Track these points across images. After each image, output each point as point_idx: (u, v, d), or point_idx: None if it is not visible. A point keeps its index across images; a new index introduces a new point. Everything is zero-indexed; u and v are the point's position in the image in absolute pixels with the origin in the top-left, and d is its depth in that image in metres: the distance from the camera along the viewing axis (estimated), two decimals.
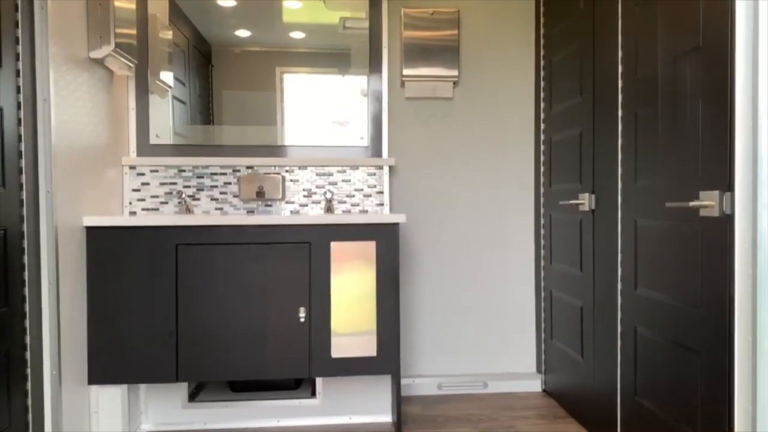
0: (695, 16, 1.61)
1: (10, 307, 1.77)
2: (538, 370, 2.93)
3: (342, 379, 2.51)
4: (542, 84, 2.84)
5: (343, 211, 2.76)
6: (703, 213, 1.56)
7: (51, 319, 1.90)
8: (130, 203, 2.65)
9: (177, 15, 2.68)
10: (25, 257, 1.84)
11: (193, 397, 2.52)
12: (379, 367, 2.26)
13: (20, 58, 1.81)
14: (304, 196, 2.74)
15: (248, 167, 2.70)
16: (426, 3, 2.82)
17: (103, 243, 2.15)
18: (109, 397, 2.21)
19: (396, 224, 2.26)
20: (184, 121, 2.69)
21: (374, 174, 2.76)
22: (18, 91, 1.81)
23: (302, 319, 2.22)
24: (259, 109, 2.73)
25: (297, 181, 2.73)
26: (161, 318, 2.16)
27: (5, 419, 1.73)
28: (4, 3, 1.74)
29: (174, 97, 2.69)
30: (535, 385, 2.88)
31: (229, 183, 2.70)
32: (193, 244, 2.18)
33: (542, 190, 2.85)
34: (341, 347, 2.24)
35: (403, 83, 2.83)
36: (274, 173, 2.69)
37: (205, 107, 2.71)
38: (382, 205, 2.77)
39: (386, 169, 2.75)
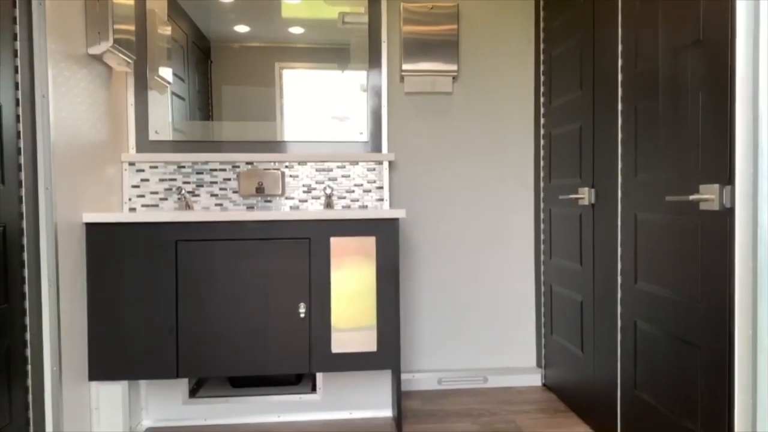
0: (695, 9, 1.61)
1: (10, 304, 1.77)
2: (538, 365, 2.94)
3: (342, 374, 2.51)
4: (542, 78, 2.84)
5: (343, 207, 2.76)
6: (703, 207, 1.55)
7: (51, 316, 1.90)
8: (130, 199, 2.65)
9: (175, 11, 2.67)
10: (25, 254, 1.84)
11: (193, 393, 2.53)
12: (380, 362, 2.27)
13: (18, 55, 1.80)
14: (304, 192, 2.74)
15: (248, 163, 2.69)
16: None
17: (103, 239, 2.15)
18: (110, 394, 2.21)
19: (396, 219, 2.26)
20: (183, 117, 2.69)
21: (374, 169, 2.76)
22: (16, 87, 1.80)
23: (302, 315, 2.22)
24: (259, 105, 2.72)
25: (297, 176, 2.73)
26: (161, 314, 2.17)
27: (6, 416, 1.74)
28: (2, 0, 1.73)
29: (173, 93, 2.68)
30: (535, 380, 2.89)
31: (229, 179, 2.70)
32: (193, 240, 2.18)
33: (542, 184, 2.85)
34: (341, 342, 2.24)
35: (402, 78, 2.82)
36: (274, 169, 2.69)
37: (204, 103, 2.70)
38: (381, 200, 2.77)
39: (386, 164, 2.75)
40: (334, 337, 2.24)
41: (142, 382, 2.43)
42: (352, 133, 2.77)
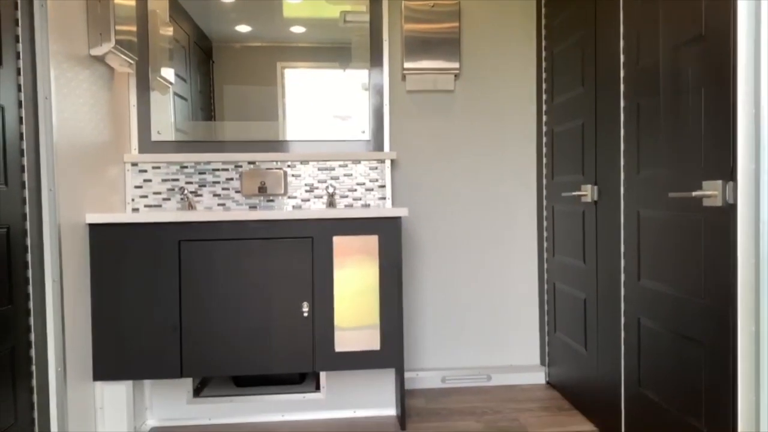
0: (697, 5, 1.60)
1: (15, 305, 1.78)
2: (542, 363, 2.93)
3: (346, 373, 2.51)
4: (544, 75, 2.83)
5: (345, 206, 2.76)
6: (706, 203, 1.55)
7: (55, 316, 1.91)
8: (133, 200, 2.65)
9: (177, 11, 2.68)
10: (29, 255, 1.85)
11: (197, 392, 2.54)
12: (383, 361, 2.27)
13: (21, 57, 1.81)
14: (306, 191, 2.74)
15: (250, 163, 2.70)
16: None
17: (106, 240, 2.15)
18: (115, 393, 2.22)
19: (398, 218, 2.26)
20: (185, 117, 2.69)
21: (376, 168, 2.76)
22: (19, 89, 1.81)
23: (305, 314, 2.22)
24: (261, 105, 2.73)
25: (299, 176, 2.73)
26: (165, 314, 2.17)
27: (11, 416, 1.75)
28: (3, 1, 1.74)
29: (175, 94, 2.69)
30: (539, 378, 2.89)
31: (231, 179, 2.70)
32: (196, 240, 2.18)
33: (544, 181, 2.84)
34: (345, 341, 2.25)
35: (404, 76, 2.82)
36: (276, 168, 2.69)
37: (206, 103, 2.71)
38: (384, 199, 2.77)
39: (388, 162, 2.75)
40: (338, 336, 2.24)
41: (147, 382, 2.43)
42: (354, 132, 2.78)
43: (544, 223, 2.85)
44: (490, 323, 2.92)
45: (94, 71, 2.23)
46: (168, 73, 2.67)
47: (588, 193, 2.29)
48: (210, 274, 2.19)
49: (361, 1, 2.77)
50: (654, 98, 1.83)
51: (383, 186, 2.76)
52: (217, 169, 2.69)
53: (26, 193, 1.83)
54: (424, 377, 2.84)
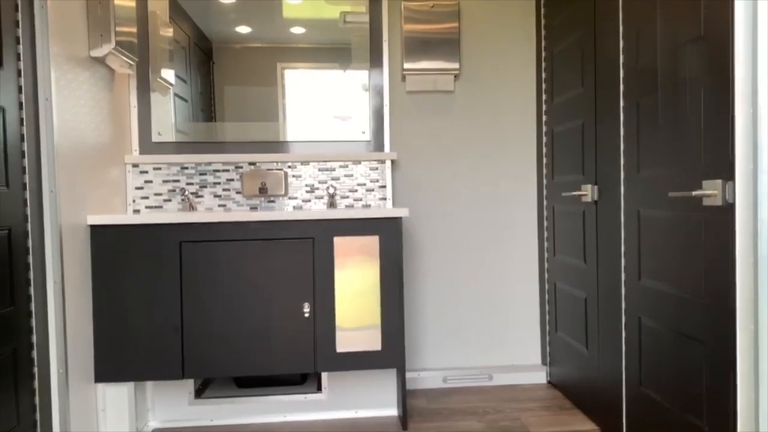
0: (696, 5, 1.60)
1: (16, 307, 1.78)
2: (543, 362, 2.93)
3: (347, 373, 2.51)
4: (543, 75, 2.83)
5: (346, 206, 2.76)
6: (706, 202, 1.55)
7: (57, 318, 1.91)
8: (134, 201, 2.66)
9: (177, 12, 2.68)
10: (30, 257, 1.85)
11: (199, 393, 2.54)
12: (384, 361, 2.27)
13: (21, 58, 1.81)
14: (307, 192, 2.74)
15: (251, 164, 2.70)
16: None
17: (108, 241, 2.15)
18: (116, 395, 2.22)
19: (399, 218, 2.26)
20: (186, 118, 2.70)
21: (376, 168, 2.76)
22: (20, 90, 1.81)
23: (306, 315, 2.23)
24: (261, 106, 2.73)
25: (299, 176, 2.73)
26: (166, 315, 2.17)
27: (13, 418, 1.75)
28: (4, 3, 1.74)
29: (175, 95, 2.69)
30: (540, 377, 2.89)
31: (232, 180, 2.70)
32: (197, 241, 2.18)
33: (545, 181, 2.84)
34: (346, 342, 2.25)
35: (404, 77, 2.82)
36: (277, 169, 2.69)
37: (206, 104, 2.71)
38: (384, 199, 2.77)
39: (388, 163, 2.75)
40: (339, 336, 2.25)
41: (148, 384, 2.44)
42: (355, 133, 2.78)
43: (545, 223, 2.86)
44: (491, 323, 2.92)
45: (94, 72, 2.24)
46: (168, 74, 2.68)
47: (588, 192, 2.30)
48: (211, 275, 2.19)
49: (360, 2, 2.77)
50: (653, 98, 1.84)
51: (384, 186, 2.77)
52: (218, 170, 2.70)
53: (27, 194, 1.83)
54: (425, 377, 2.84)
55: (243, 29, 2.72)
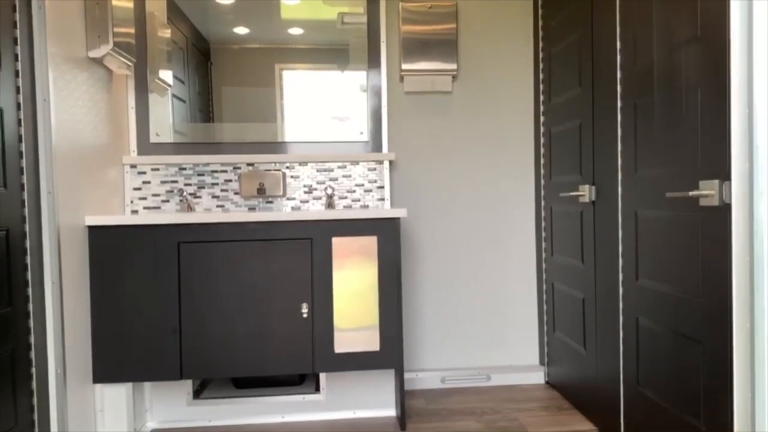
0: (693, 6, 1.61)
1: (14, 307, 1.78)
2: (541, 362, 2.94)
3: (346, 374, 2.52)
4: (541, 76, 2.84)
5: (344, 207, 2.76)
6: (703, 202, 1.56)
7: (55, 319, 1.91)
8: (132, 202, 2.66)
9: (175, 13, 2.68)
10: (28, 257, 1.85)
11: (197, 394, 2.54)
12: (383, 362, 2.27)
13: (19, 59, 1.81)
14: (305, 192, 2.74)
15: (249, 164, 2.70)
16: None
17: (106, 242, 2.15)
18: (114, 396, 2.22)
19: (397, 219, 2.26)
20: (184, 119, 2.70)
21: (375, 169, 2.76)
22: (17, 91, 1.81)
23: (305, 315, 2.23)
24: (259, 106, 2.73)
25: (298, 177, 2.73)
26: (164, 316, 2.17)
27: (11, 418, 1.75)
28: (2, 3, 1.74)
29: (173, 95, 2.69)
30: (538, 377, 2.89)
31: (230, 180, 2.70)
32: (195, 242, 2.18)
33: (542, 182, 2.85)
34: (344, 342, 2.25)
35: (402, 78, 2.83)
36: (275, 170, 2.69)
37: (204, 105, 2.71)
38: (383, 200, 2.77)
39: (386, 163, 2.76)
40: (337, 337, 2.25)
41: (147, 384, 2.43)
42: (353, 133, 2.78)
43: (543, 223, 2.86)
44: (490, 323, 2.93)
45: (92, 73, 2.24)
46: (166, 75, 2.68)
47: (586, 193, 2.30)
48: (209, 276, 2.19)
49: (358, 3, 2.78)
50: (651, 98, 1.84)
51: (382, 187, 2.77)
52: (216, 171, 2.70)
53: (25, 195, 1.83)
54: (423, 378, 2.84)
55: (241, 30, 2.72)
